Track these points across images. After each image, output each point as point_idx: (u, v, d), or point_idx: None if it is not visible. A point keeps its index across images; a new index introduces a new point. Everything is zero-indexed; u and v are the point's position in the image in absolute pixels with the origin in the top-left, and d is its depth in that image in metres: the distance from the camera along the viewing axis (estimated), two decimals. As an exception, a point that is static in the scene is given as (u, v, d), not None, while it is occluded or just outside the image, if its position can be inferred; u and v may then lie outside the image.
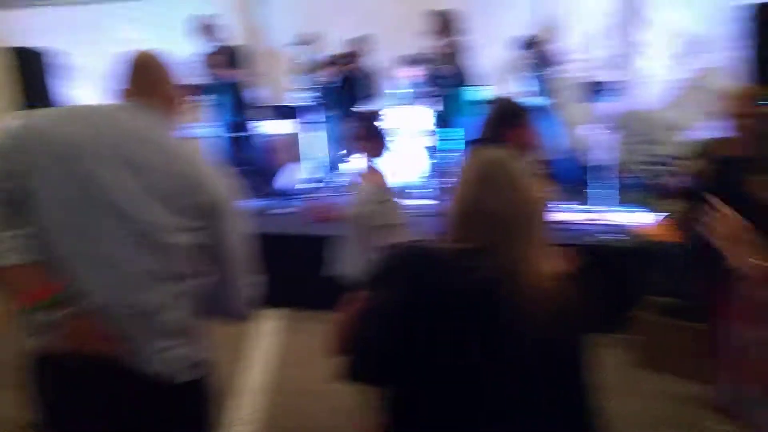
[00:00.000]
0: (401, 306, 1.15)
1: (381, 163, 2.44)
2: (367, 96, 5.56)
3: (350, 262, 2.34)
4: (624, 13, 6.06)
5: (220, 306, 1.44)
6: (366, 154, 2.45)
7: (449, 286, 1.13)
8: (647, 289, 3.21)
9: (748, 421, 2.20)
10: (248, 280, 1.47)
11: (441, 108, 4.80)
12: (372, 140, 2.45)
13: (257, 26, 7.01)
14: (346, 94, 5.59)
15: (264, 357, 3.46)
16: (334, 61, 5.71)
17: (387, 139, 2.46)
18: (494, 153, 1.23)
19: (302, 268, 3.55)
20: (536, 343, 1.10)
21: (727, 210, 1.52)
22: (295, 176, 6.05)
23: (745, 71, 3.34)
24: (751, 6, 3.44)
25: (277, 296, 3.78)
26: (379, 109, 5.76)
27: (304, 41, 5.77)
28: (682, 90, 6.09)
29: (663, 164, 4.06)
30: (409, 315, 1.14)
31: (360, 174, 2.47)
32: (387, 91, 6.33)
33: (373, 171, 2.44)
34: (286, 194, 5.98)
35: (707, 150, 2.54)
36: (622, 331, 3.17)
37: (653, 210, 3.93)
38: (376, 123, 2.49)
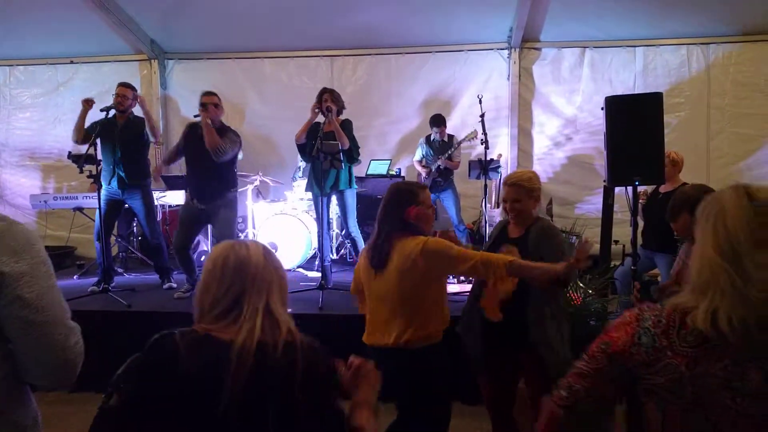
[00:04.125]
0: (130, 408, 1.20)
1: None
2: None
3: None
4: (513, 98, 6.66)
5: (37, 372, 1.30)
6: None
7: (178, 374, 1.18)
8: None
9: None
10: (64, 342, 1.30)
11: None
12: None
13: (161, 97, 7.01)
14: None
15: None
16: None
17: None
18: (231, 243, 1.37)
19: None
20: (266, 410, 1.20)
21: None
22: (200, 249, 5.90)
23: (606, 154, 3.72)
24: (610, 98, 3.85)
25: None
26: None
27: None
28: (564, 167, 6.67)
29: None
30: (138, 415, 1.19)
31: None
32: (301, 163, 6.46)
33: None
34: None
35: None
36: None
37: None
38: None
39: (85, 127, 4.73)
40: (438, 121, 5.96)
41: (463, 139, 5.78)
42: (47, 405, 3.60)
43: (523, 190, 2.57)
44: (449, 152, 5.86)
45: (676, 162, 4.30)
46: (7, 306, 1.22)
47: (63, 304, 1.32)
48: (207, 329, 1.25)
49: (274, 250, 5.66)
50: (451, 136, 6.09)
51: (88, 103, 4.69)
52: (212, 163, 4.42)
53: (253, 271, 1.31)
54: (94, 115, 4.74)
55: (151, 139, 4.84)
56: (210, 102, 4.44)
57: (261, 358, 1.20)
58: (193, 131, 4.56)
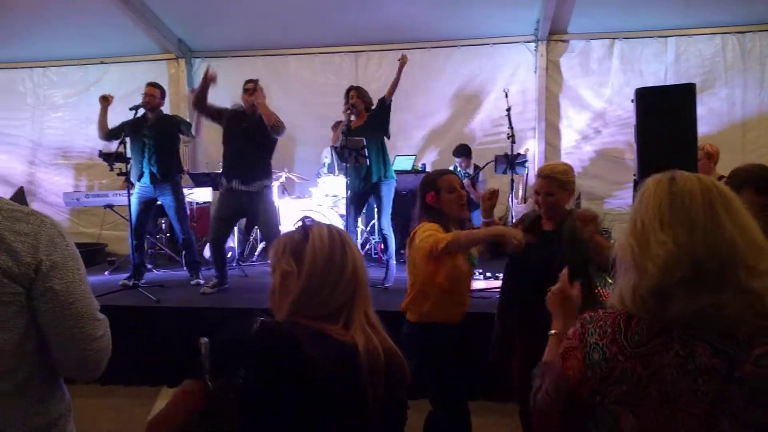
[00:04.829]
0: (258, 391, 1.13)
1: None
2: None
3: None
4: (540, 92, 6.56)
5: (67, 363, 1.34)
6: None
7: (309, 363, 1.15)
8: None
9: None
10: (92, 334, 1.32)
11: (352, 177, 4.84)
12: None
13: (188, 95, 7.09)
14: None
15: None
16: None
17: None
18: (331, 228, 1.32)
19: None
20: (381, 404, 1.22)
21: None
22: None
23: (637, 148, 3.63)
24: (641, 89, 3.76)
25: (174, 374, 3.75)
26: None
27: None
28: (592, 161, 6.54)
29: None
30: (267, 400, 1.14)
31: None
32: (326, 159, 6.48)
33: None
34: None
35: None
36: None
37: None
38: None
39: (112, 126, 4.82)
40: (460, 151, 5.89)
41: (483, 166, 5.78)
42: (80, 397, 3.69)
43: (556, 183, 2.52)
44: (473, 174, 5.82)
45: (711, 154, 4.18)
46: (39, 297, 1.25)
47: (92, 298, 1.35)
48: (321, 328, 1.21)
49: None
50: (477, 168, 6.06)
51: (105, 100, 4.79)
52: (253, 148, 4.52)
53: (362, 276, 1.30)
54: (125, 115, 4.82)
55: (193, 133, 4.90)
56: (254, 87, 4.53)
57: (388, 363, 1.24)
58: (237, 116, 4.60)
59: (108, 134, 4.83)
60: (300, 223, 1.34)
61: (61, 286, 1.26)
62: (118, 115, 4.89)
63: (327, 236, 1.28)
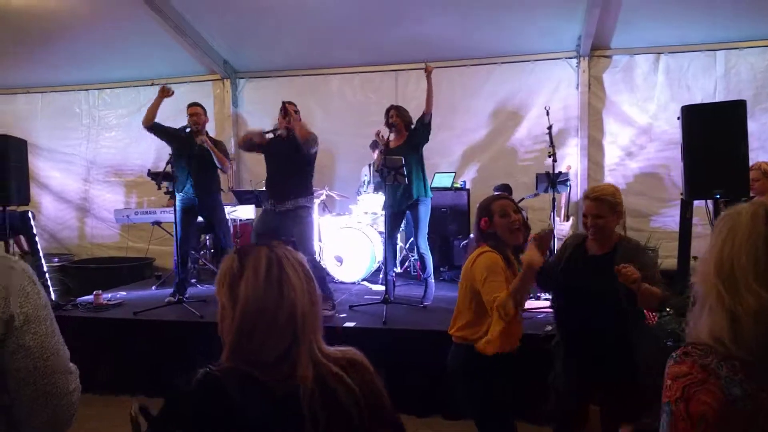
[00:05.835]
0: None
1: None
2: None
3: None
4: (582, 108, 6.46)
5: (34, 422, 1.22)
6: None
7: (242, 420, 1.08)
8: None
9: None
10: (64, 389, 1.23)
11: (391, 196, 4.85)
12: None
13: (232, 115, 7.30)
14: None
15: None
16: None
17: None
18: (275, 249, 1.20)
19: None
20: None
21: None
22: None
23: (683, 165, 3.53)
24: (687, 107, 3.67)
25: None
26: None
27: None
28: (637, 178, 6.38)
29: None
30: None
31: None
32: (365, 177, 6.55)
33: None
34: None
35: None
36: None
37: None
38: None
39: (166, 127, 4.96)
40: (499, 189, 5.85)
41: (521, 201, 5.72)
42: (124, 408, 3.79)
43: (606, 205, 2.46)
44: None
45: (768, 173, 4.03)
46: (11, 355, 1.15)
47: (64, 348, 1.25)
48: (257, 375, 1.13)
49: (339, 263, 5.68)
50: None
51: (164, 92, 4.88)
52: (288, 169, 4.59)
53: (302, 316, 1.16)
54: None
55: (219, 165, 5.00)
56: (291, 108, 4.63)
57: (330, 397, 1.15)
58: (275, 141, 4.70)
59: (152, 127, 4.97)
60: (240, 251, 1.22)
61: (34, 341, 1.17)
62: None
63: (263, 273, 1.15)
